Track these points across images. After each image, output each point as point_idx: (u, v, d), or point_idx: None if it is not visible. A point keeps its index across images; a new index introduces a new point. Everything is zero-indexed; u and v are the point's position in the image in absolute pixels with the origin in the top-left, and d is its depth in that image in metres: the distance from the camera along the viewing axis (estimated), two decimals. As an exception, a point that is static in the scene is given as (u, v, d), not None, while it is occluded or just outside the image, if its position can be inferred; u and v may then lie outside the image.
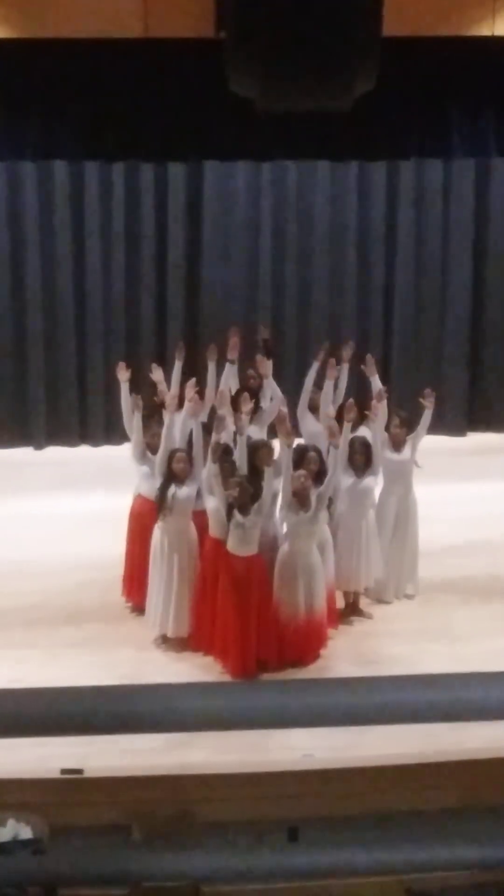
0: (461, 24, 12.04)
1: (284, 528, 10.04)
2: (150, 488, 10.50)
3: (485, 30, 12.13)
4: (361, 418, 10.66)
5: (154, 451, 10.48)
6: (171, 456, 10.14)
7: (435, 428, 14.99)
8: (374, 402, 10.72)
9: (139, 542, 10.70)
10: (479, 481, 13.48)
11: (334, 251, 14.87)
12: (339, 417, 10.73)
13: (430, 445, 14.66)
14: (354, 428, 10.54)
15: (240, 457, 10.01)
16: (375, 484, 10.72)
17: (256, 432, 10.71)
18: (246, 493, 9.75)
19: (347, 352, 11.42)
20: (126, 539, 10.86)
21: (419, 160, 14.59)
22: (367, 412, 10.67)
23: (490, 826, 8.25)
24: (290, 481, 9.90)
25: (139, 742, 8.77)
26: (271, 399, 11.07)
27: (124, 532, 10.84)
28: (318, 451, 10.19)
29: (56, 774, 8.37)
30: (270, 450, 10.21)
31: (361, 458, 10.52)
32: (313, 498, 9.93)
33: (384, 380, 14.93)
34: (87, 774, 8.39)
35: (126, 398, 10.82)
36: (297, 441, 10.70)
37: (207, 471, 9.98)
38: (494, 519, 12.62)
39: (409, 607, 11.04)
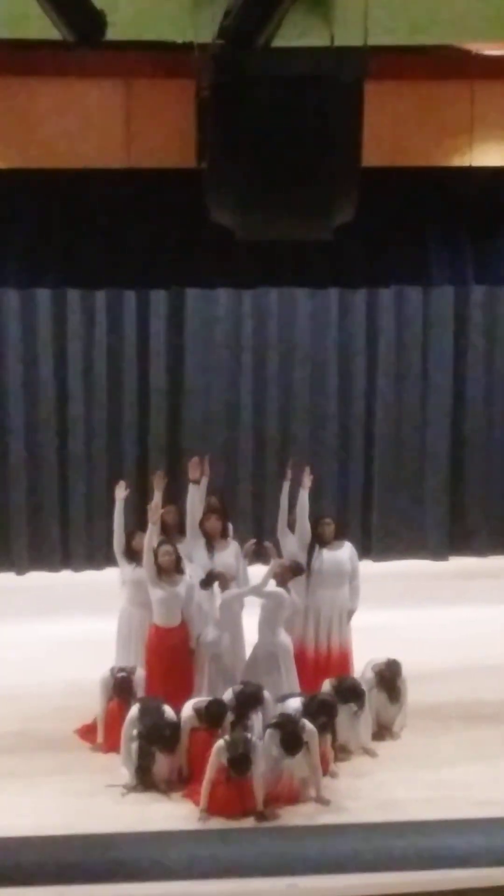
0: (438, 155, 12.22)
1: None
2: None
3: (461, 161, 12.32)
4: None
5: None
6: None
7: (417, 552, 15.15)
8: None
9: None
10: (461, 605, 13.44)
11: (315, 377, 15.00)
12: (316, 535, 10.92)
13: (412, 570, 14.66)
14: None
15: None
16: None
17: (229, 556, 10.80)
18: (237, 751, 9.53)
19: (307, 477, 11.29)
20: None
21: (398, 287, 14.74)
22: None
23: None
24: None
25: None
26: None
27: (103, 657, 10.78)
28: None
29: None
30: (225, 577, 10.37)
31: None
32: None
33: (366, 508, 15.11)
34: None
35: (120, 517, 10.76)
36: (280, 560, 10.71)
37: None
38: (475, 643, 12.56)
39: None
